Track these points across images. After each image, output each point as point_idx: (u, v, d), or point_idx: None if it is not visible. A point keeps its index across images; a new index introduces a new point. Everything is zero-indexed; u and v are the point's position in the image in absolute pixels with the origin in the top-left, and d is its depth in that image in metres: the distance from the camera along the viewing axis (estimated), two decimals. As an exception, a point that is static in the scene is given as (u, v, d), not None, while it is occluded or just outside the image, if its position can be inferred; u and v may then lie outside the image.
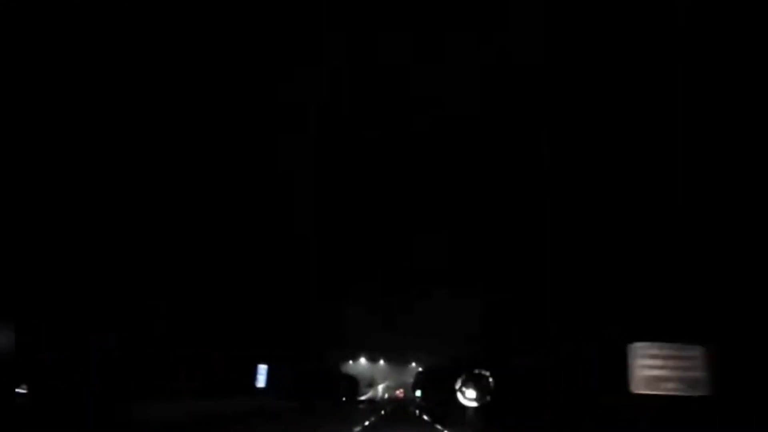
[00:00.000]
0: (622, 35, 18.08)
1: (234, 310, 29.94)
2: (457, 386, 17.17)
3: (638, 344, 13.91)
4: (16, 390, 13.53)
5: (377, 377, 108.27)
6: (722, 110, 15.36)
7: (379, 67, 27.47)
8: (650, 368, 13.54)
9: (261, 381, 35.88)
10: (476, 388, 17.27)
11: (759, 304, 13.15)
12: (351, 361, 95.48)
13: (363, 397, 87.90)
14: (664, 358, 13.50)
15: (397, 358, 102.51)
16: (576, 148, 21.17)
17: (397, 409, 52.46)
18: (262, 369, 35.84)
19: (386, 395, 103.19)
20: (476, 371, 17.44)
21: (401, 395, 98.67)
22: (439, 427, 22.82)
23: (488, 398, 16.92)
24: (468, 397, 16.98)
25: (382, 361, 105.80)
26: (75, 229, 18.94)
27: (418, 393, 74.67)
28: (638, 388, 13.61)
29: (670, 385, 13.32)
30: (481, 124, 26.15)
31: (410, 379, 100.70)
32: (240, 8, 22.77)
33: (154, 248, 22.83)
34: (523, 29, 21.59)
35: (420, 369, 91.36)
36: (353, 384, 78.00)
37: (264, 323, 34.92)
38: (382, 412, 41.94)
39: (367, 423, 23.94)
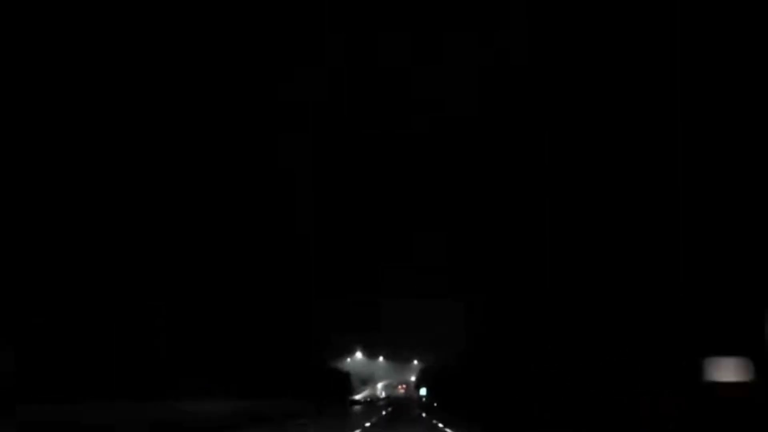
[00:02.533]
0: (621, 35, 18.06)
1: (232, 308, 29.58)
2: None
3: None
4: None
5: (377, 375, 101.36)
6: (721, 110, 15.34)
7: (379, 67, 27.50)
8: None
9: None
10: None
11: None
12: (349, 359, 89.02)
13: (357, 396, 77.48)
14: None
15: (398, 356, 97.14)
16: (576, 149, 21.18)
17: (400, 412, 39.62)
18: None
19: (383, 394, 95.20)
20: None
21: (403, 390, 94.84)
22: None
23: None
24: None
25: (381, 358, 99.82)
26: (75, 230, 18.91)
27: (423, 391, 68.00)
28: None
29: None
30: (480, 126, 26.17)
31: (412, 377, 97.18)
32: (241, 8, 22.75)
33: (153, 247, 22.79)
34: (522, 30, 21.57)
35: (422, 366, 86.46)
36: (344, 381, 68.46)
37: (261, 320, 34.10)
38: (383, 413, 34.18)
39: None
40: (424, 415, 33.62)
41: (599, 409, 16.54)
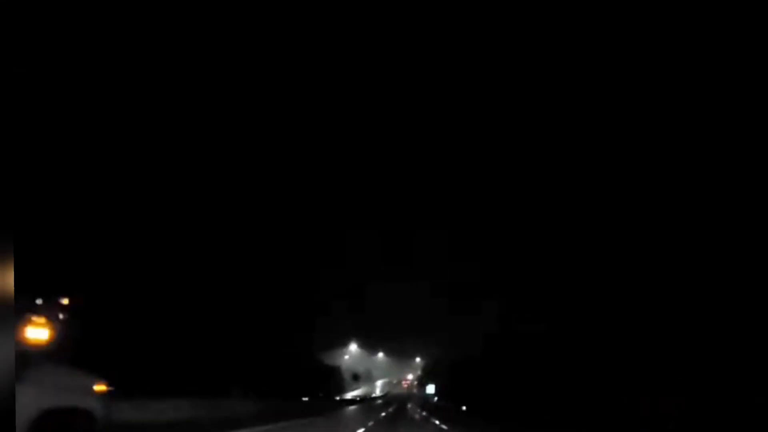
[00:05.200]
0: (612, 36, 18.12)
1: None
2: None
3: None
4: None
5: (376, 372, 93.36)
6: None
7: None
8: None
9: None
10: None
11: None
12: (347, 356, 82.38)
13: (348, 395, 65.96)
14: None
15: (399, 352, 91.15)
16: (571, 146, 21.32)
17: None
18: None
19: (378, 392, 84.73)
20: None
21: (406, 385, 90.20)
22: None
23: None
24: None
25: (381, 354, 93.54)
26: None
27: (430, 389, 60.82)
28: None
29: None
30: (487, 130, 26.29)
31: (410, 376, 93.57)
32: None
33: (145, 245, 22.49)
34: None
35: (427, 362, 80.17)
36: (332, 377, 59.87)
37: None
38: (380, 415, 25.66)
39: None
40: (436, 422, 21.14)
41: (599, 409, 16.68)
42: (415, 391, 79.38)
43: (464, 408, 33.79)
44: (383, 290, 58.93)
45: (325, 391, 47.71)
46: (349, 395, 65.62)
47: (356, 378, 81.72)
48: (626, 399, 15.71)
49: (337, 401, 45.33)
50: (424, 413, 29.14)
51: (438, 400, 52.63)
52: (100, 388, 4.29)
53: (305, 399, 30.90)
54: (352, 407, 38.10)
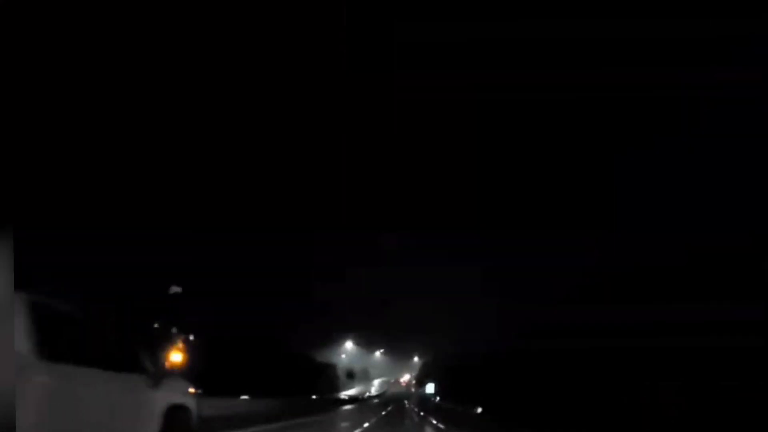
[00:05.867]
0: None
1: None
2: None
3: None
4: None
5: (373, 371, 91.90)
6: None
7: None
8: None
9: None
10: None
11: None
12: (343, 355, 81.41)
13: (345, 394, 61.98)
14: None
15: (396, 351, 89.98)
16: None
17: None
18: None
19: (373, 392, 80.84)
20: None
21: (404, 384, 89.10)
22: None
23: None
24: None
25: (378, 353, 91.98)
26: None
27: (430, 388, 59.03)
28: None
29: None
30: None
31: (407, 376, 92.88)
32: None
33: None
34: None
35: (423, 361, 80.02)
36: (327, 375, 58.10)
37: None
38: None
39: None
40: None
41: (599, 408, 16.92)
42: (413, 390, 78.52)
43: (479, 410, 29.33)
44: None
45: (307, 390, 40.57)
46: (342, 395, 61.28)
47: (351, 376, 79.15)
48: (626, 399, 16.00)
49: (316, 401, 36.62)
50: (433, 420, 25.04)
51: (439, 400, 49.58)
52: (192, 390, 6.11)
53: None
54: (333, 412, 31.02)
